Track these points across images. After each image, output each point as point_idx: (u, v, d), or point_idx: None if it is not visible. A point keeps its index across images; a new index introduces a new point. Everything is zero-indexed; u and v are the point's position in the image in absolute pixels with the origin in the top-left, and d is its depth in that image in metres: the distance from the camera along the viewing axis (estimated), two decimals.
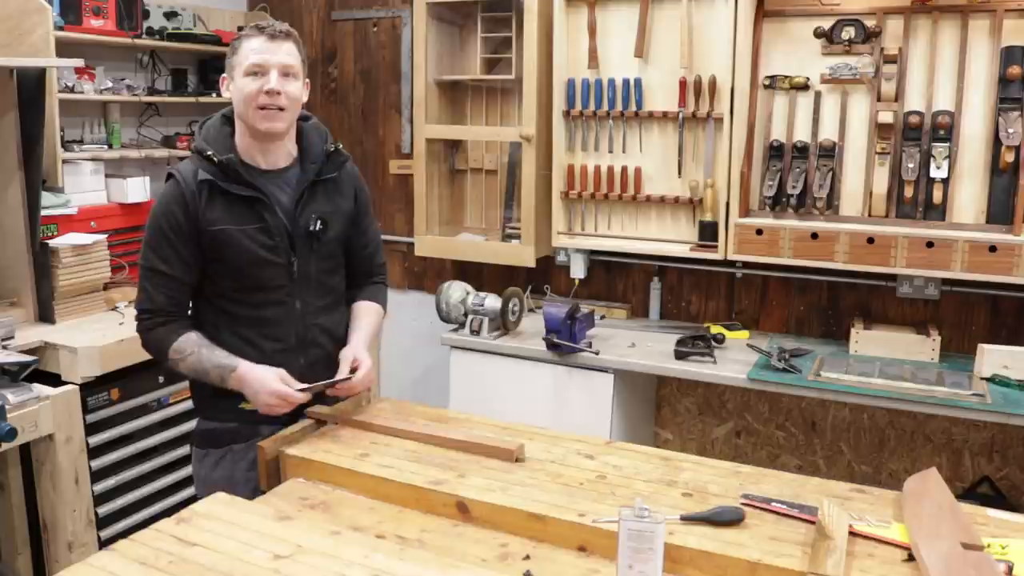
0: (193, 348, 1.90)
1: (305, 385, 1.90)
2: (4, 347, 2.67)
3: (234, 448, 1.99)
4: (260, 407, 1.87)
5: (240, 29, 1.97)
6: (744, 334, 3.29)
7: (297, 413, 1.98)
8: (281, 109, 1.88)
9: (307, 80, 1.98)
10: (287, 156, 1.99)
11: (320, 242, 1.99)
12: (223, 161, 1.89)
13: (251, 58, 1.86)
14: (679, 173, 3.22)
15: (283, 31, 1.89)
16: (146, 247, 1.93)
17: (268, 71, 1.86)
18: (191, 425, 3.07)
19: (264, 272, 1.94)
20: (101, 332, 2.90)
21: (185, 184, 1.90)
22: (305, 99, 1.97)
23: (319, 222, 1.97)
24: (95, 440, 2.81)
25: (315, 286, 2.01)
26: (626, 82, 3.25)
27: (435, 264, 3.98)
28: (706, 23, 3.08)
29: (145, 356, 2.85)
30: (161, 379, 3.05)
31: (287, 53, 1.89)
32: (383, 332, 4.25)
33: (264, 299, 1.95)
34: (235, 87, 1.89)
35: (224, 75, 1.94)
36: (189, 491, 3.11)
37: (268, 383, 1.85)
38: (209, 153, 1.90)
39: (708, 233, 3.17)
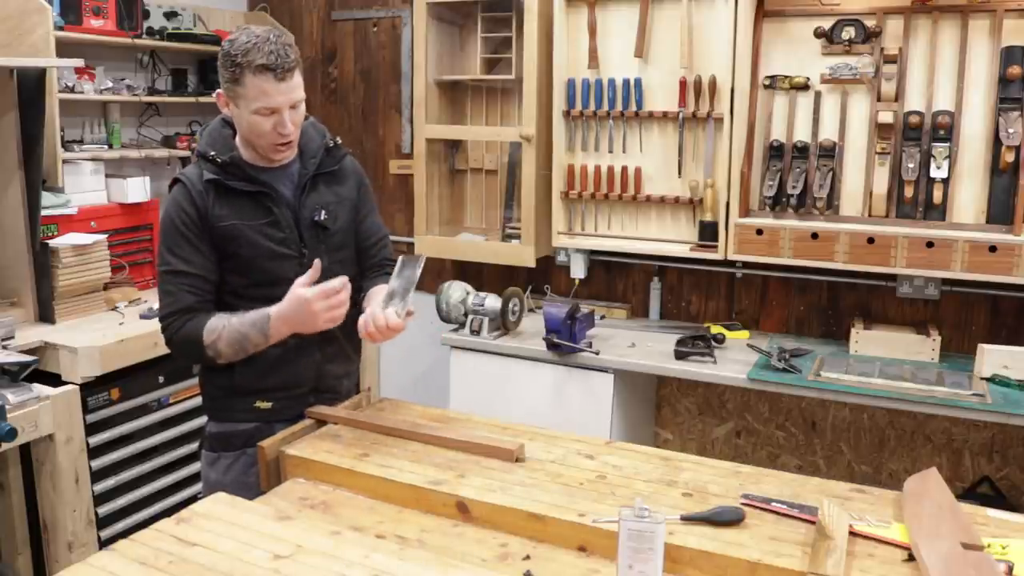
0: (224, 321, 1.88)
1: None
2: (4, 347, 2.67)
3: (248, 452, 1.98)
4: (323, 324, 1.83)
5: (239, 28, 1.94)
6: (744, 334, 3.29)
7: (301, 413, 2.00)
8: (292, 141, 1.92)
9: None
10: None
11: (328, 232, 2.01)
12: (226, 161, 1.91)
13: (261, 100, 1.81)
14: (679, 173, 3.22)
15: (290, 66, 1.82)
16: (164, 251, 1.92)
17: (281, 112, 1.84)
18: (191, 425, 3.12)
19: (277, 266, 1.94)
20: (101, 332, 2.90)
21: (192, 185, 1.92)
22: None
23: (323, 212, 1.99)
24: (95, 440, 2.81)
25: (328, 278, 2.00)
26: (626, 82, 3.25)
27: (435, 264, 3.98)
28: (706, 23, 3.08)
29: (145, 356, 2.93)
30: (161, 379, 3.05)
31: (296, 87, 1.85)
32: None
33: (278, 293, 1.93)
34: (241, 117, 1.87)
35: (220, 91, 1.88)
36: (189, 491, 3.13)
37: (307, 303, 1.81)
38: (212, 154, 1.92)
39: (708, 233, 3.17)
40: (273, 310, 1.85)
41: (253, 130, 1.87)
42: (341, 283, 1.84)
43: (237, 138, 1.97)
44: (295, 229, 1.96)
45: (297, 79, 1.87)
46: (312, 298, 1.80)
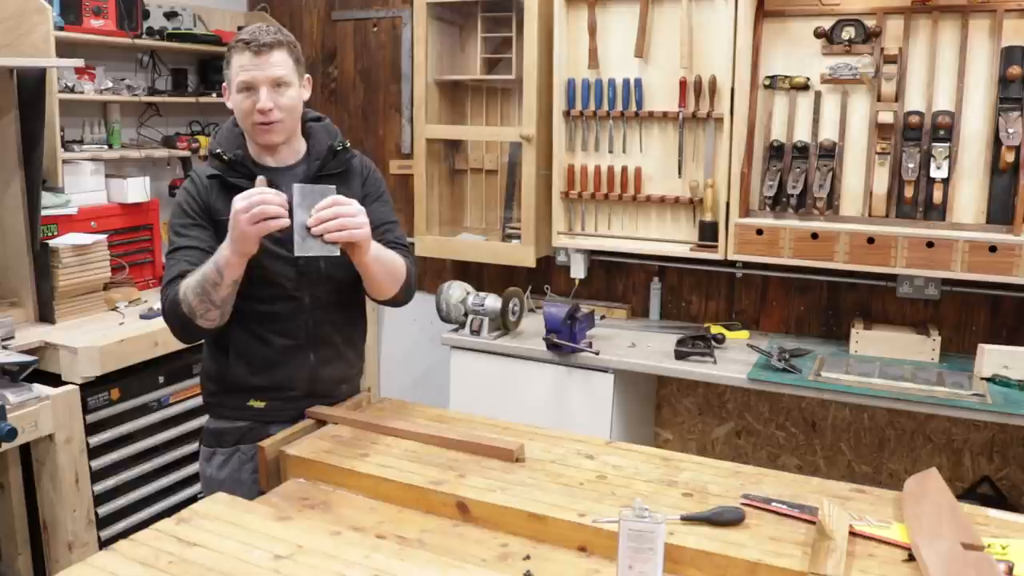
0: (190, 275, 1.84)
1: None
2: (4, 347, 2.67)
3: (242, 448, 1.99)
4: (252, 231, 1.72)
5: (240, 29, 1.96)
6: (744, 334, 3.29)
7: (301, 413, 2.00)
8: (275, 122, 1.89)
9: (308, 77, 1.98)
10: (295, 154, 2.02)
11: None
12: (232, 158, 1.94)
13: (240, 75, 1.86)
14: (679, 173, 3.22)
15: (268, 43, 1.85)
16: (171, 235, 1.96)
17: (257, 88, 1.85)
18: (192, 425, 3.12)
19: (272, 266, 1.94)
20: (101, 332, 2.90)
21: (199, 179, 1.97)
22: (307, 96, 1.98)
23: None
24: (95, 440, 2.81)
25: (324, 280, 2.00)
26: (626, 82, 3.25)
27: (435, 264, 3.98)
28: (706, 23, 3.08)
29: (145, 356, 2.93)
30: (161, 379, 3.05)
31: (276, 64, 1.86)
32: (383, 332, 4.26)
33: (273, 294, 1.95)
34: (232, 101, 1.92)
35: (225, 83, 1.95)
36: (189, 491, 3.13)
37: (234, 213, 1.72)
38: (219, 151, 1.95)
39: (708, 233, 3.17)
40: (223, 245, 1.79)
41: (238, 111, 1.90)
42: (260, 181, 1.76)
43: (246, 137, 1.99)
44: (291, 230, 1.96)
45: (278, 58, 1.87)
46: (236, 207, 1.72)
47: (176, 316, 1.86)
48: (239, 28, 4.02)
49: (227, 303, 1.84)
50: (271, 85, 1.86)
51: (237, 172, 1.94)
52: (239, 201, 1.73)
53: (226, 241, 1.78)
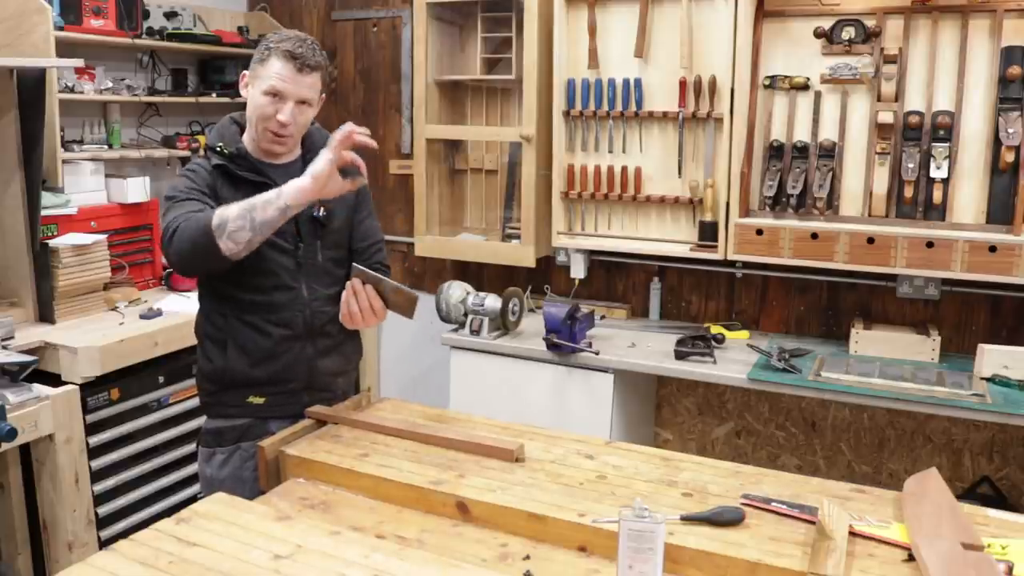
0: (233, 204, 1.80)
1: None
2: (4, 347, 2.67)
3: (243, 446, 2.01)
4: (331, 180, 1.77)
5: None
6: (744, 334, 3.29)
7: (300, 409, 2.02)
8: (287, 137, 1.96)
9: (322, 95, 2.02)
10: (292, 154, 2.07)
11: (325, 229, 2.05)
12: (232, 152, 1.98)
13: (274, 80, 1.89)
14: (679, 173, 3.22)
15: (312, 65, 1.91)
16: (172, 195, 1.91)
17: (286, 100, 1.91)
18: (192, 425, 3.12)
19: (273, 256, 1.97)
20: (101, 332, 2.90)
21: (203, 166, 1.99)
22: (316, 112, 2.03)
23: (321, 208, 2.03)
24: (95, 440, 2.81)
25: (322, 274, 2.04)
26: (626, 82, 3.25)
27: (435, 264, 3.98)
28: (706, 23, 3.08)
29: (145, 356, 2.93)
30: (161, 379, 3.05)
31: (309, 86, 1.93)
32: (383, 331, 4.26)
33: (271, 284, 1.98)
34: (252, 95, 1.94)
35: (247, 72, 1.97)
36: (189, 491, 3.13)
37: (315, 167, 1.77)
38: (220, 146, 1.98)
39: (708, 233, 3.17)
40: (285, 187, 1.79)
41: (257, 110, 1.93)
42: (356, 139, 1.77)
43: (244, 135, 2.03)
44: (293, 222, 1.97)
45: (314, 81, 1.94)
46: (321, 167, 1.75)
47: (193, 238, 1.77)
48: (239, 28, 4.02)
49: (261, 231, 1.78)
50: (298, 102, 1.92)
51: (240, 165, 1.98)
52: (327, 162, 1.74)
53: (295, 184, 1.77)
